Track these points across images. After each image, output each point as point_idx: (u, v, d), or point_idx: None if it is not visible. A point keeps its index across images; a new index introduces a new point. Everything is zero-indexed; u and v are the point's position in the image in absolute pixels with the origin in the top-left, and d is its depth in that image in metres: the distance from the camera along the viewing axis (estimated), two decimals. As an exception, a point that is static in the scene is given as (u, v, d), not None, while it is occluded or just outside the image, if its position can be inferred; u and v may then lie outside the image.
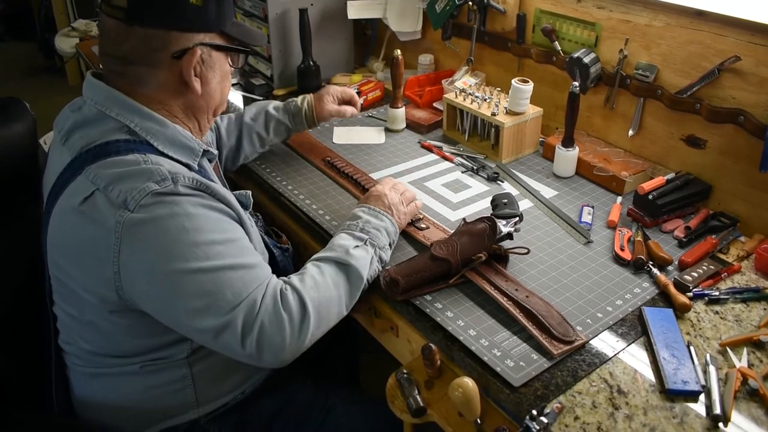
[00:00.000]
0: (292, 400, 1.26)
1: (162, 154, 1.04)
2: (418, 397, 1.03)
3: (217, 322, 0.96)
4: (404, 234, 1.29)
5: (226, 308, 0.96)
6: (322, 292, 1.05)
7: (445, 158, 1.65)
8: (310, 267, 1.10)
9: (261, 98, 2.00)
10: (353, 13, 2.02)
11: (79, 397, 1.17)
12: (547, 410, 0.91)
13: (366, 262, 1.12)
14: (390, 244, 1.21)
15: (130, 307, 1.01)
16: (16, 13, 5.45)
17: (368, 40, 2.29)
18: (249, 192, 1.20)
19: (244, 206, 1.13)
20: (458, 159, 1.63)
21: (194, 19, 1.03)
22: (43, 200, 1.13)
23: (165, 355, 1.09)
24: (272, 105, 1.58)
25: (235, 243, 1.02)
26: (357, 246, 1.13)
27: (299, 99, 1.59)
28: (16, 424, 1.08)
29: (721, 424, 0.90)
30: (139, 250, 0.95)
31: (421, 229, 1.31)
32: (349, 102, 1.64)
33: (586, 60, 1.52)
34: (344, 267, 1.10)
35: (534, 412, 0.90)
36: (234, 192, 1.14)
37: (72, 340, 1.12)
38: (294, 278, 1.06)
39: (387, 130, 1.79)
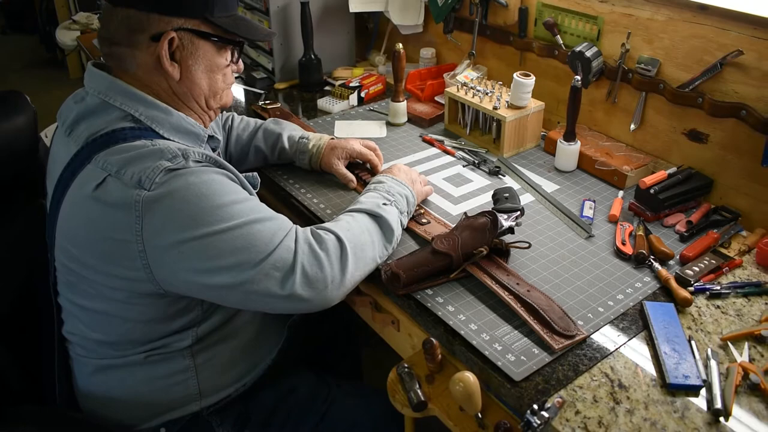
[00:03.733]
0: (294, 392, 1.27)
1: (167, 140, 1.05)
2: (419, 391, 1.03)
3: (253, 272, 0.98)
4: (406, 228, 1.29)
5: (260, 257, 0.99)
6: (356, 234, 1.10)
7: (447, 152, 1.64)
8: (342, 215, 1.15)
9: (262, 92, 2.00)
10: (355, 6, 2.01)
11: (81, 389, 1.17)
12: (548, 404, 0.91)
13: (395, 218, 1.18)
14: (407, 213, 1.26)
15: (153, 288, 1.01)
16: (17, 5, 5.45)
17: (370, 33, 2.28)
18: (255, 173, 1.20)
19: (253, 186, 1.14)
20: (460, 153, 1.63)
21: (173, 3, 1.03)
22: (47, 192, 1.13)
23: (169, 343, 1.10)
24: (287, 134, 1.49)
25: (252, 200, 1.05)
26: (385, 203, 1.19)
27: (314, 140, 1.48)
28: (21, 420, 1.08)
29: (722, 419, 0.91)
30: (163, 225, 0.95)
31: (423, 223, 1.31)
32: (365, 163, 1.50)
33: (588, 54, 1.52)
34: (376, 218, 1.16)
35: (535, 406, 0.90)
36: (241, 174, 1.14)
37: (77, 330, 1.12)
38: (327, 223, 1.12)
39: (388, 123, 1.79)
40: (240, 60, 1.18)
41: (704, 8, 1.32)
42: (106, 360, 1.12)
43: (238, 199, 1.01)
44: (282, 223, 1.05)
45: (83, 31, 3.37)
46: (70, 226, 1.02)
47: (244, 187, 1.08)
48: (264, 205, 1.07)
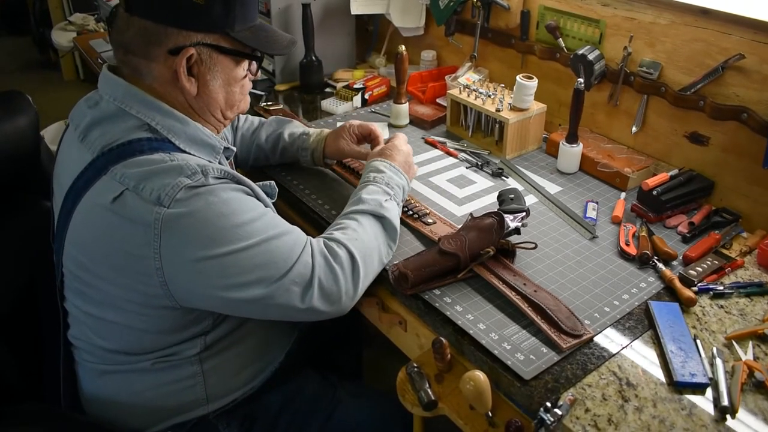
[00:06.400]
0: (300, 393, 1.27)
1: (184, 152, 1.03)
2: (429, 390, 1.03)
3: (272, 288, 0.99)
4: (411, 229, 1.30)
5: (280, 273, 1.00)
6: (365, 243, 1.11)
7: (449, 154, 1.65)
8: (348, 221, 1.15)
9: (263, 93, 2.00)
10: (356, 8, 2.02)
11: (87, 394, 1.16)
12: (560, 402, 0.92)
13: (396, 215, 1.19)
14: (402, 202, 1.27)
15: (168, 302, 1.00)
16: (10, 6, 5.41)
17: (370, 35, 2.29)
18: (273, 182, 1.20)
19: (270, 196, 1.14)
20: (462, 155, 1.64)
21: (193, 17, 1.00)
22: (52, 194, 1.12)
23: (178, 351, 1.09)
24: (288, 131, 1.49)
25: (269, 214, 1.05)
26: (387, 200, 1.19)
27: (314, 135, 1.48)
28: (24, 419, 1.08)
29: (728, 416, 0.92)
30: (183, 243, 0.95)
31: (428, 224, 1.31)
32: (368, 137, 1.45)
33: (591, 57, 1.53)
34: (380, 219, 1.16)
35: (548, 404, 0.91)
36: (257, 183, 1.13)
37: (84, 336, 1.11)
38: (336, 233, 1.11)
39: (391, 125, 1.80)
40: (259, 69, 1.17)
41: (706, 12, 1.33)
42: (113, 366, 1.11)
43: (257, 216, 1.01)
44: (298, 236, 1.06)
45: (79, 32, 3.36)
46: (82, 236, 1.01)
47: (261, 200, 1.08)
48: (280, 218, 1.07)
